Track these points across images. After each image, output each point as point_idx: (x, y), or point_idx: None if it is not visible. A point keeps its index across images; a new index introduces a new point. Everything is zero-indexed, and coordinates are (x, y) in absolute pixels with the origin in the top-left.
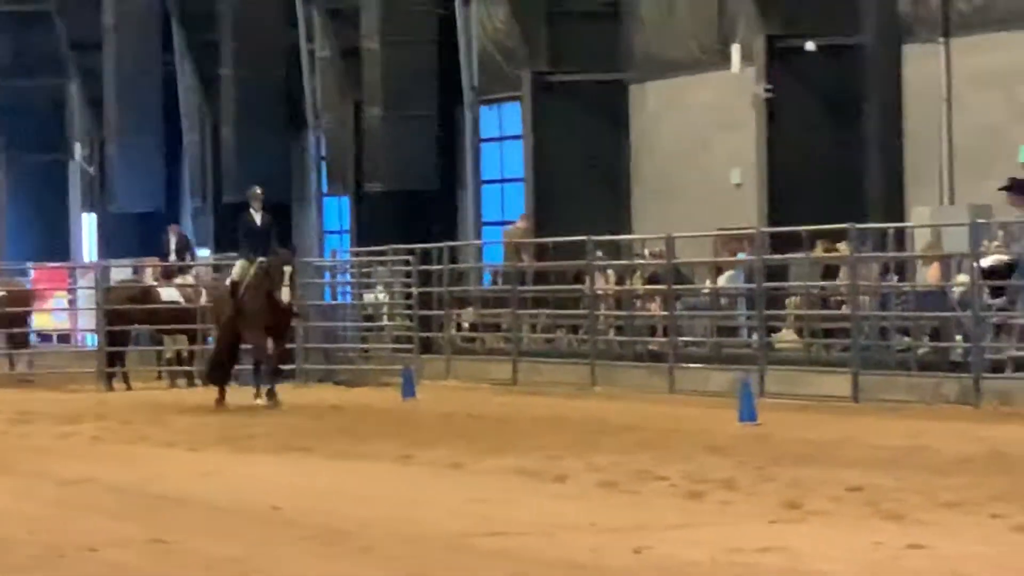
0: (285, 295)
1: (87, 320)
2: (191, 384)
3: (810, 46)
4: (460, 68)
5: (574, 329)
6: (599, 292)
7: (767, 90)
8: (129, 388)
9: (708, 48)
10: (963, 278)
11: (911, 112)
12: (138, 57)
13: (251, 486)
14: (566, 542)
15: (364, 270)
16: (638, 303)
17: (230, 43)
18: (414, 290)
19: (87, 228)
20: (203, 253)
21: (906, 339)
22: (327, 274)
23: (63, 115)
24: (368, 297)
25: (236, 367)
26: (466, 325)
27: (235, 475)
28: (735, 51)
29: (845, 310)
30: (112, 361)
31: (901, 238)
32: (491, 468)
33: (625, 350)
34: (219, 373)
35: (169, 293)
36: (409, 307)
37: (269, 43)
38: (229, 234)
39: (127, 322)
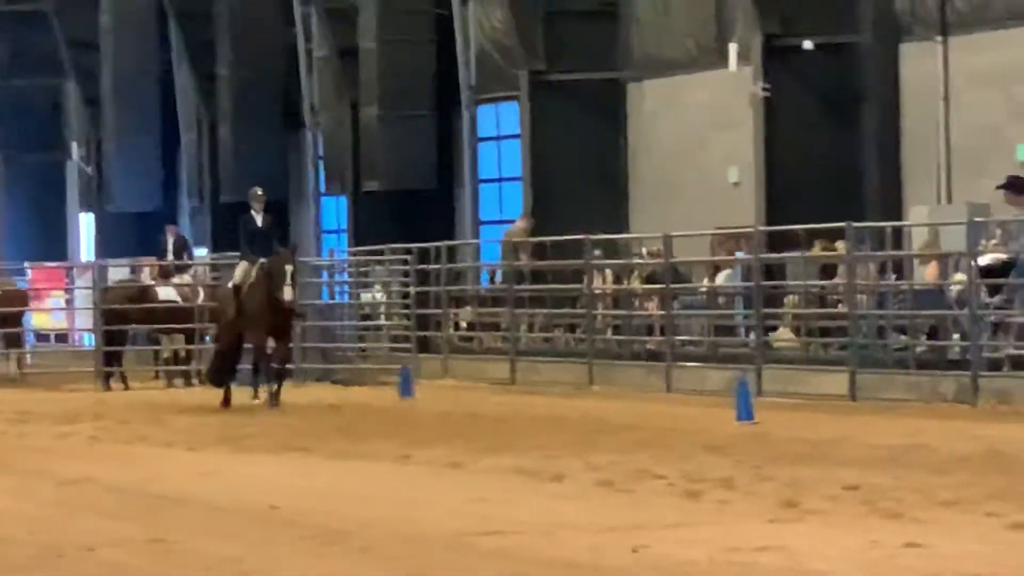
0: (287, 294)
1: (84, 320)
2: (188, 384)
3: (807, 45)
4: (458, 67)
5: (572, 328)
6: (597, 291)
7: (764, 89)
8: (127, 388)
9: (705, 47)
10: (961, 277)
11: (909, 111)
12: (135, 57)
13: (250, 486)
14: (564, 541)
15: (362, 269)
16: (636, 302)
17: (227, 43)
18: (412, 289)
19: (84, 228)
20: (200, 253)
21: (903, 338)
22: (324, 273)
23: (60, 115)
24: (366, 296)
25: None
26: (464, 324)
27: (234, 475)
28: (732, 50)
29: (842, 309)
30: (110, 361)
31: (899, 237)
32: (489, 467)
33: (623, 349)
34: (222, 375)
35: (166, 293)
36: (407, 306)
37: (267, 43)
38: (227, 233)
39: (124, 322)
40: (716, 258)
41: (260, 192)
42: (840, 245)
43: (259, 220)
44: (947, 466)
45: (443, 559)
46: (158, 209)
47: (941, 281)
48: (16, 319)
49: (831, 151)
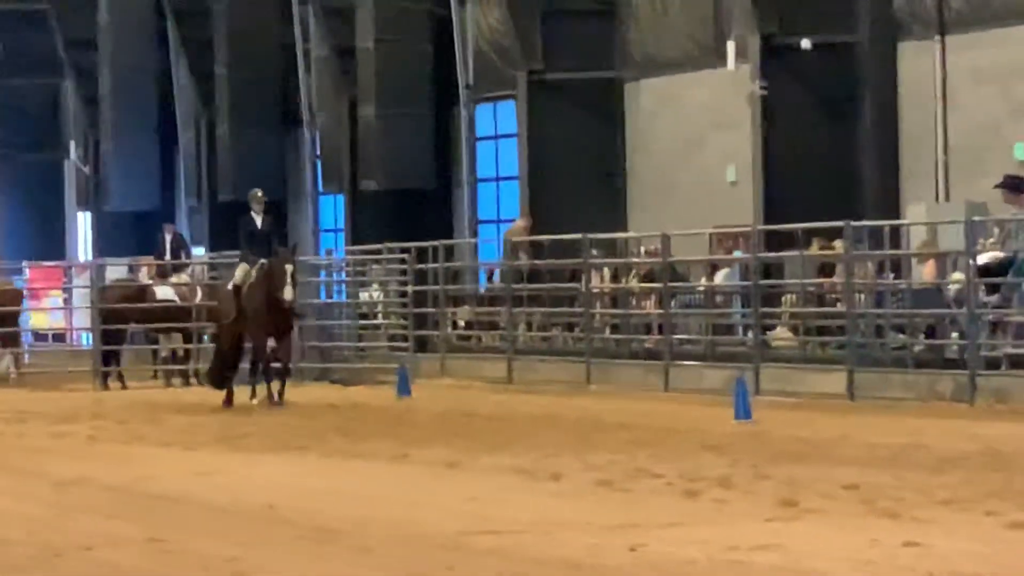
0: (288, 294)
1: (82, 319)
2: (186, 383)
3: (805, 44)
4: (455, 67)
5: (569, 327)
6: (594, 290)
7: (762, 88)
8: (124, 387)
9: (703, 46)
10: (959, 276)
11: (906, 109)
12: (133, 56)
13: (247, 485)
14: (562, 541)
15: (359, 268)
16: (634, 301)
17: (225, 42)
18: (409, 288)
19: (82, 227)
20: (198, 252)
21: (901, 336)
22: (322, 272)
23: (58, 114)
24: (363, 295)
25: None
26: (461, 323)
27: (231, 474)
28: (730, 49)
29: (840, 308)
30: (107, 360)
31: (896, 235)
32: (487, 467)
33: (621, 348)
34: (224, 377)
35: (164, 292)
36: (404, 305)
37: (264, 42)
38: (225, 232)
39: (122, 321)
40: (714, 257)
41: (260, 194)
42: (838, 244)
43: (259, 222)
44: (945, 465)
45: (441, 558)
46: (156, 208)
47: (939, 280)
48: (12, 318)
49: (829, 150)
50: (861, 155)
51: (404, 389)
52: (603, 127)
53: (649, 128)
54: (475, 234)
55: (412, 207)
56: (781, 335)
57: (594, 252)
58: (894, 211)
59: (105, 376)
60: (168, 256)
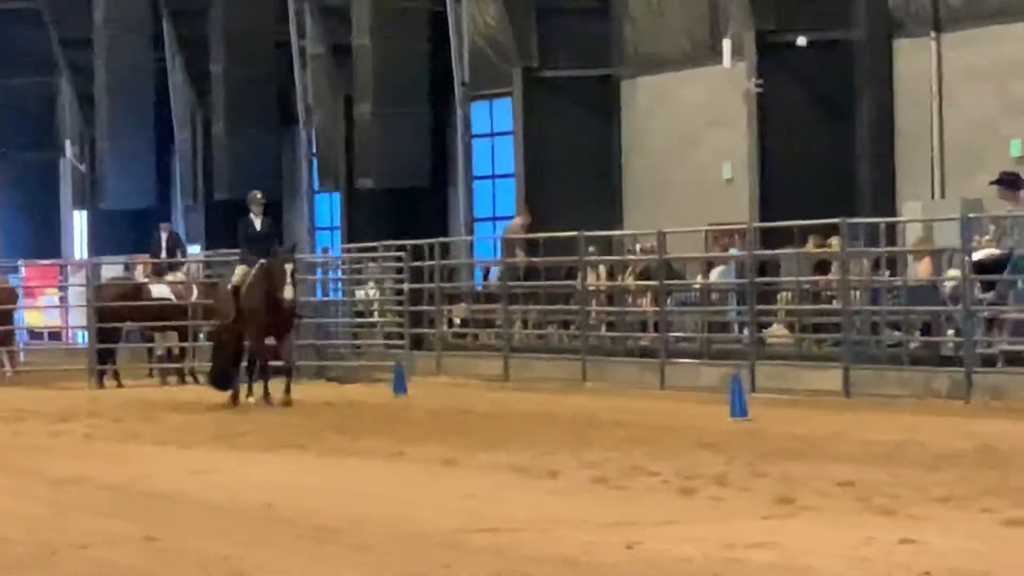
0: (288, 293)
1: (78, 317)
2: (182, 381)
3: (801, 41)
4: (451, 64)
5: (565, 325)
6: (590, 288)
7: (758, 85)
8: (120, 385)
9: (699, 43)
10: (954, 272)
11: (902, 107)
12: (129, 54)
13: (244, 484)
14: (558, 538)
15: (355, 266)
16: (629, 299)
17: (221, 40)
18: (405, 286)
19: (78, 225)
20: (194, 250)
21: (897, 334)
22: (318, 270)
23: (54, 113)
24: (359, 293)
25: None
26: (457, 321)
27: (228, 473)
28: (726, 46)
29: (836, 305)
30: (103, 359)
31: (892, 233)
32: (483, 464)
33: (616, 346)
34: (226, 379)
35: (160, 290)
36: (400, 303)
37: (260, 40)
38: (221, 231)
39: (118, 319)
40: (710, 254)
41: (259, 196)
42: (834, 241)
43: (258, 224)
44: (941, 462)
45: (438, 556)
46: (152, 206)
47: (935, 277)
48: (7, 316)
49: (825, 147)
50: (857, 152)
51: (400, 387)
52: (599, 124)
53: (645, 125)
54: (471, 232)
55: (408, 205)
56: (777, 332)
57: (590, 249)
58: (890, 208)
59: (101, 374)
60: (164, 254)
